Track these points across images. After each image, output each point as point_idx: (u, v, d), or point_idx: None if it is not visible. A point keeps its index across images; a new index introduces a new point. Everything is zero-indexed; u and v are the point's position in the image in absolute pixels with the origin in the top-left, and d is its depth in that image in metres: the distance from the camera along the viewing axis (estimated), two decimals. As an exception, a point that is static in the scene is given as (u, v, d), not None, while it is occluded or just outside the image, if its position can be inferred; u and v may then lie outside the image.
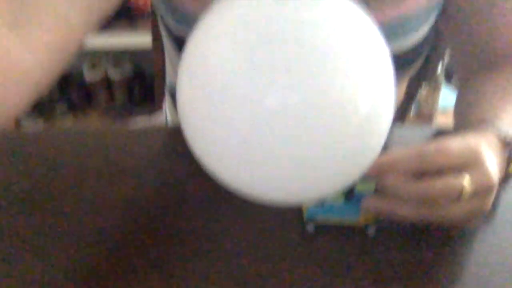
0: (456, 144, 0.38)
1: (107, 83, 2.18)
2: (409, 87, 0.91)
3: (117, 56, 2.20)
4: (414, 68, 0.62)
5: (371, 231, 0.42)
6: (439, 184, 0.38)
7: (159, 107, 0.99)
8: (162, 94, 0.95)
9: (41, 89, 0.40)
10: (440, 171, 0.39)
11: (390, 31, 0.55)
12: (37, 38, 0.39)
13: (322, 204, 0.41)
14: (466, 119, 0.50)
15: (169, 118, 0.85)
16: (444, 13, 0.60)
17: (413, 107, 2.23)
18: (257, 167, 0.32)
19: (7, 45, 0.37)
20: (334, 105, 0.30)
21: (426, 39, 0.59)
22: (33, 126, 2.01)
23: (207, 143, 0.34)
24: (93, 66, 2.17)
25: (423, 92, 2.13)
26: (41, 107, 2.04)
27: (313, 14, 0.30)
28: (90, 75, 2.15)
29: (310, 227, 0.42)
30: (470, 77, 0.63)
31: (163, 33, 0.65)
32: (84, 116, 2.17)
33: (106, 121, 2.12)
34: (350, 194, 0.40)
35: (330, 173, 0.33)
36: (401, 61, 0.58)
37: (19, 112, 0.39)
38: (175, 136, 0.60)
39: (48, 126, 2.03)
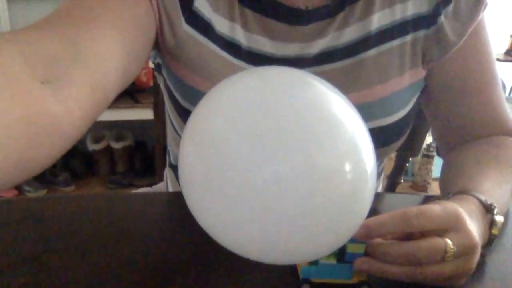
0: (437, 208, 0.42)
1: (109, 153, 2.23)
2: (397, 159, 0.97)
3: (119, 128, 2.27)
4: (401, 140, 0.66)
5: None
6: (423, 245, 0.41)
7: (160, 177, 1.02)
8: (162, 164, 0.99)
9: (71, 142, 0.40)
10: (424, 234, 0.42)
11: (378, 108, 0.60)
12: (69, 92, 0.39)
13: (315, 264, 0.44)
14: (449, 190, 0.54)
15: (170, 190, 0.88)
16: (423, 93, 0.66)
17: (408, 178, 2.27)
18: (253, 230, 0.36)
19: (39, 96, 0.36)
20: (322, 174, 0.34)
21: (410, 115, 0.65)
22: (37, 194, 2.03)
23: (206, 207, 0.38)
24: (96, 139, 2.23)
25: (416, 163, 2.19)
26: (44, 177, 2.06)
27: (301, 95, 0.36)
28: (93, 146, 2.20)
29: (305, 287, 0.44)
30: (451, 150, 0.68)
31: (168, 105, 0.69)
32: (86, 185, 2.20)
33: (108, 190, 2.15)
34: (342, 255, 0.43)
35: (321, 235, 0.37)
36: (389, 135, 0.63)
37: (49, 164, 0.38)
38: (175, 201, 0.63)
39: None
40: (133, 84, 1.99)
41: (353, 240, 0.41)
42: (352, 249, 0.43)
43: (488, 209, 0.49)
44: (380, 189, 0.86)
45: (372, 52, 0.59)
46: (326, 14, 0.59)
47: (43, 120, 0.36)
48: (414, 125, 0.89)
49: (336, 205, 0.35)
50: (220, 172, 0.35)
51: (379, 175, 0.79)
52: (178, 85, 0.63)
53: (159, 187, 0.98)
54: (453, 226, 0.42)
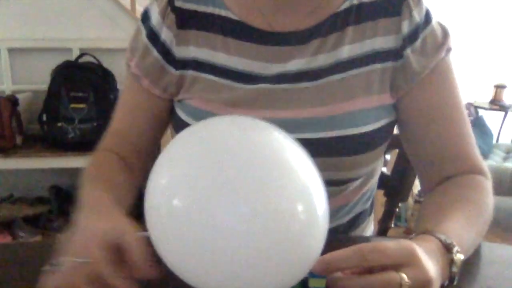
0: (391, 244, 0.45)
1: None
2: (387, 204, 1.00)
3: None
4: (365, 157, 0.68)
5: None
6: (379, 279, 0.43)
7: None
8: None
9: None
10: (383, 268, 0.45)
11: (342, 120, 0.66)
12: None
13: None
14: (418, 230, 0.57)
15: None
16: (401, 130, 0.72)
17: (401, 223, 2.26)
18: (215, 267, 0.39)
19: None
20: (276, 214, 0.38)
21: (377, 136, 0.69)
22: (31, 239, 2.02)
23: (171, 247, 0.41)
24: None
25: (408, 210, 2.20)
26: (38, 222, 2.07)
27: (254, 142, 0.40)
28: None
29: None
30: (429, 192, 0.71)
31: None
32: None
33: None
34: (304, 290, 0.46)
35: (279, 270, 0.40)
36: (350, 145, 0.67)
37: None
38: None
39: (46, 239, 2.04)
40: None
41: (314, 275, 0.44)
42: (314, 283, 0.45)
43: (447, 248, 0.51)
44: (370, 233, 0.88)
45: (341, 75, 0.67)
46: (301, 39, 0.68)
47: None
48: (402, 170, 0.93)
49: (290, 242, 0.39)
50: (185, 213, 0.39)
51: (368, 214, 0.82)
52: (195, 114, 0.71)
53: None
54: (408, 261, 0.44)
